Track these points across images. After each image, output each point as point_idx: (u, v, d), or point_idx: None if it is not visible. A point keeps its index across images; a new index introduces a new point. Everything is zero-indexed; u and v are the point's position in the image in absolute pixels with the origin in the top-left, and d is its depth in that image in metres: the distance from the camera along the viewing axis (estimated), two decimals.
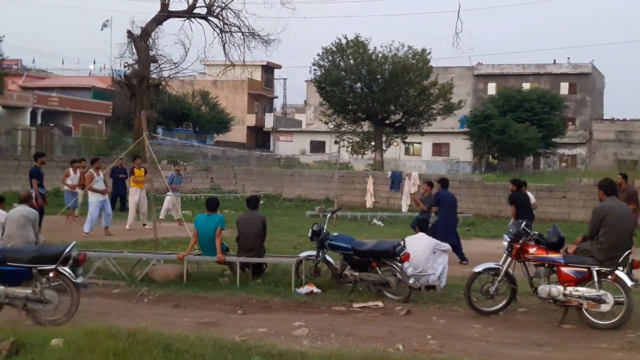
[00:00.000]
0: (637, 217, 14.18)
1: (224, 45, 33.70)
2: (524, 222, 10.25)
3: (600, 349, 8.04)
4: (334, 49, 44.41)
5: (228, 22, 33.49)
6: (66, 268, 8.41)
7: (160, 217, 19.26)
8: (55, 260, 8.41)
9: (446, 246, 11.46)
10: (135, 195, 19.16)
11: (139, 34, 32.37)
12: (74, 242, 8.93)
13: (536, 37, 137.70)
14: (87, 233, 16.91)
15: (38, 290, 8.31)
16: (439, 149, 59.76)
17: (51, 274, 8.39)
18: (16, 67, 55.69)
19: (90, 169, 18.03)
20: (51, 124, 45.50)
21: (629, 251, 9.13)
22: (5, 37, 65.28)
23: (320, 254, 11.50)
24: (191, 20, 33.76)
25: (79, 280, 8.50)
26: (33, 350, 6.43)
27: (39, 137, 36.37)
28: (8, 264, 8.47)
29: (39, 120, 47.57)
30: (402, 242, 10.91)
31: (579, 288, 9.09)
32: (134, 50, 32.52)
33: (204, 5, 33.50)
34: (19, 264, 8.46)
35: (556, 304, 9.32)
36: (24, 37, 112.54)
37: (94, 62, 71.32)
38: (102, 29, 58.12)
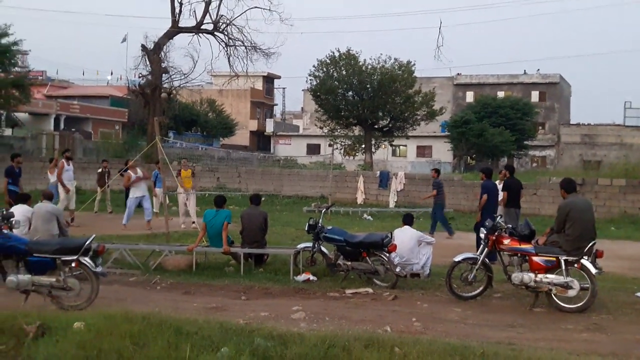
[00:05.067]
0: None
1: (228, 58, 33.63)
2: (500, 216, 10.30)
3: (567, 330, 8.06)
4: (328, 61, 44.38)
5: (232, 37, 33.41)
6: (87, 259, 8.38)
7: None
8: (77, 252, 8.38)
9: (430, 239, 11.46)
10: (182, 194, 17.56)
11: (152, 47, 32.27)
12: (94, 235, 8.91)
13: (510, 50, 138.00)
14: (125, 225, 16.81)
15: (61, 279, 8.28)
16: (423, 151, 59.71)
17: (73, 264, 8.36)
18: (41, 77, 55.46)
19: (129, 170, 16.95)
20: (73, 129, 45.37)
21: (593, 242, 9.17)
22: (32, 50, 65.01)
23: (316, 245, 11.49)
24: (199, 35, 33.68)
25: (99, 269, 8.48)
26: (57, 332, 6.42)
27: (61, 141, 36.25)
28: (34, 255, 8.45)
29: (61, 126, 47.42)
30: (389, 235, 10.93)
31: (548, 275, 9.12)
32: (148, 63, 32.41)
33: (211, 21, 33.40)
34: (44, 255, 8.45)
35: (528, 290, 9.35)
36: (49, 51, 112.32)
37: (112, 73, 71.00)
38: (122, 42, 58.02)
